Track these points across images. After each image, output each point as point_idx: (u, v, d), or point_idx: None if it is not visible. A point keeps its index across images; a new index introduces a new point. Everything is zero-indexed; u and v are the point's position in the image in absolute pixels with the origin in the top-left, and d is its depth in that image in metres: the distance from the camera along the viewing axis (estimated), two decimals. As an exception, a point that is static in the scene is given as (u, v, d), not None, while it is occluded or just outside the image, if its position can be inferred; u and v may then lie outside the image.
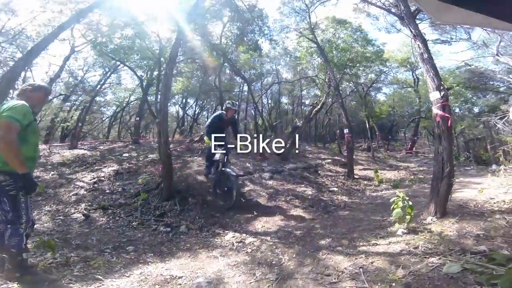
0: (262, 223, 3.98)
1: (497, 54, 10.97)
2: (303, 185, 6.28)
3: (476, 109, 17.26)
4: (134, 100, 17.07)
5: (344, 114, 7.57)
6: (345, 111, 7.50)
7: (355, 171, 7.98)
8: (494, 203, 3.20)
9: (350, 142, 7.37)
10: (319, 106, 10.28)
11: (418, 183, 6.58)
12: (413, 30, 3.17)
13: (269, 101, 21.53)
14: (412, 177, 7.37)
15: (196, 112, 20.09)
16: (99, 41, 9.82)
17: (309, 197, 5.44)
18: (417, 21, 3.28)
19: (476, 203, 3.28)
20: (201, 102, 19.16)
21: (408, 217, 2.70)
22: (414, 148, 16.58)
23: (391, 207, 2.86)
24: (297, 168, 7.70)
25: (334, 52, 11.49)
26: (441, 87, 2.99)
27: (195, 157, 7.37)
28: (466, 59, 14.67)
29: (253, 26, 11.16)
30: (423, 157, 14.62)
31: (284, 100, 22.19)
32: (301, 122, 8.66)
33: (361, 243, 2.64)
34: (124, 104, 16.95)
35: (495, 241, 2.15)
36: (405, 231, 2.69)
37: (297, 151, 9.70)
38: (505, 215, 2.71)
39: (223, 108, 5.21)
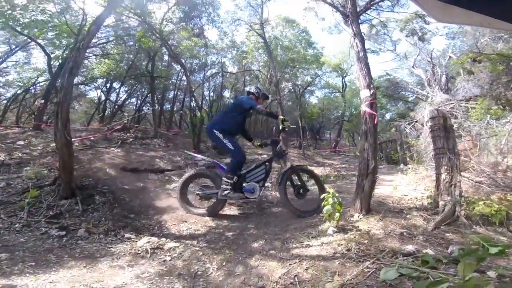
0: (188, 225, 3.48)
1: (413, 66, 13.13)
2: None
3: (387, 115, 20.59)
4: (42, 81, 13.83)
5: (281, 112, 7.64)
6: (282, 109, 7.54)
7: (288, 167, 8.20)
8: (408, 199, 3.54)
9: (285, 139, 7.50)
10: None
11: (341, 180, 7.17)
12: (354, 29, 3.19)
13: (211, 94, 20.62)
14: (336, 173, 8.04)
15: (122, 99, 17.51)
16: (8, 13, 7.40)
17: None
18: (359, 21, 3.30)
19: (393, 199, 3.61)
20: (128, 88, 16.73)
21: (337, 214, 2.67)
22: (337, 148, 18.64)
23: (322, 204, 2.79)
24: None
25: (279, 50, 11.64)
26: (371, 86, 3.09)
27: (113, 148, 6.17)
28: (388, 69, 17.14)
29: (201, 11, 10.23)
30: (344, 155, 16.59)
31: (227, 94, 21.65)
32: None
33: (294, 245, 2.47)
34: (29, 86, 13.59)
35: (418, 239, 2.25)
36: (335, 229, 2.65)
37: None
38: (420, 212, 2.97)
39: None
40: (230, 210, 4.19)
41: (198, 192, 3.84)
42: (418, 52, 15.41)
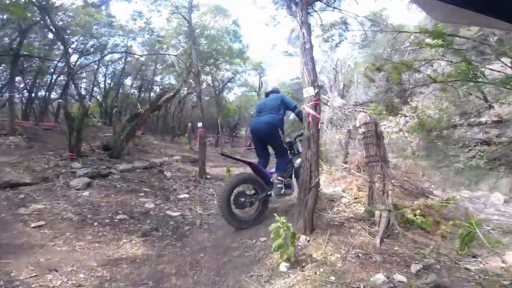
0: (61, 276, 2.13)
1: (319, 72, 14.44)
2: (143, 194, 4.67)
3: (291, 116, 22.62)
4: None
5: (199, 105, 6.59)
6: (201, 101, 6.52)
7: (207, 168, 7.30)
8: (340, 207, 3.35)
9: (203, 138, 6.49)
10: (171, 94, 8.70)
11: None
12: (302, 17, 2.67)
13: (108, 81, 16.60)
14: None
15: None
16: None
17: (152, 213, 3.98)
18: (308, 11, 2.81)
19: (325, 207, 3.35)
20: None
21: (291, 249, 2.07)
22: (251, 145, 19.05)
23: (270, 236, 2.15)
24: (135, 169, 5.84)
25: (202, 40, 10.37)
26: (316, 83, 2.67)
27: None
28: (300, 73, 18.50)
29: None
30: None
31: (129, 82, 18.01)
32: (145, 109, 6.74)
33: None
34: None
35: (376, 260, 1.92)
36: (288, 265, 2.05)
37: (136, 146, 7.64)
38: (361, 224, 2.75)
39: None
40: (129, 243, 2.98)
41: (241, 200, 3.19)
42: (325, 60, 17.41)
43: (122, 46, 14.15)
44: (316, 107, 2.74)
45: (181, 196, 4.82)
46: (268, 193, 3.33)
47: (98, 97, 16.44)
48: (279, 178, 3.24)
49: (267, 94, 3.73)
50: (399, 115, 10.35)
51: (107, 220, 3.60)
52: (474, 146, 7.56)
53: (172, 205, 4.37)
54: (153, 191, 4.96)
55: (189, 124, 11.82)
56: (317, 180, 2.69)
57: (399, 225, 2.77)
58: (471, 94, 8.32)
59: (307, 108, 2.71)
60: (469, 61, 5.57)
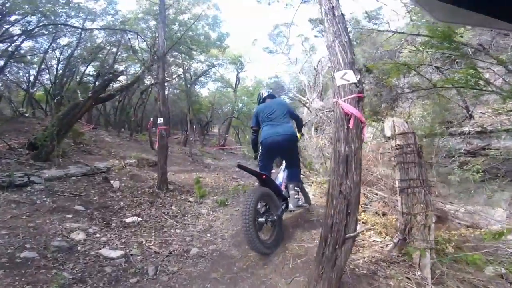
0: None
1: (299, 72, 13.66)
2: (72, 216, 3.31)
3: None
4: None
5: (161, 95, 5.19)
6: (163, 91, 5.14)
7: (168, 176, 6.00)
8: (356, 240, 2.41)
9: (164, 137, 5.13)
10: (129, 82, 7.16)
11: (243, 193, 5.78)
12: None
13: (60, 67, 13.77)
14: (234, 183, 6.60)
15: None
16: None
17: (80, 248, 2.68)
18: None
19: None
20: None
21: None
22: (225, 145, 17.72)
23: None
24: (69, 177, 4.37)
25: (176, 25, 8.87)
26: (355, 67, 1.65)
27: None
28: (279, 71, 17.56)
29: None
30: (232, 154, 15.78)
31: (83, 69, 15.26)
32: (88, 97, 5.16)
33: None
34: None
35: None
36: None
37: (78, 145, 6.02)
38: (398, 269, 1.81)
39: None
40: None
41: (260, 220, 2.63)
42: (307, 59, 16.77)
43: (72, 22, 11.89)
44: (359, 103, 1.68)
45: (129, 219, 3.50)
46: (284, 207, 2.99)
47: (47, 86, 13.78)
48: (296, 188, 3.12)
49: (264, 99, 3.51)
50: (381, 121, 10.03)
51: (3, 260, 2.26)
52: (458, 156, 7.37)
53: (113, 236, 3.06)
54: (89, 211, 3.58)
55: (150, 120, 10.06)
56: (355, 222, 1.66)
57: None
58: (454, 102, 8.19)
59: (345, 105, 1.65)
60: (474, 67, 5.12)
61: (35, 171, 4.26)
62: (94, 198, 4.02)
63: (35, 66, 12.92)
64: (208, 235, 3.25)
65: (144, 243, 2.97)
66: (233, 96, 17.85)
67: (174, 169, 7.14)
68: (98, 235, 3.02)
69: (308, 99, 14.94)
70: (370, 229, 2.77)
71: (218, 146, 16.23)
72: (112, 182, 4.78)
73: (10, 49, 9.14)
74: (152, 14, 9.52)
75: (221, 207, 4.31)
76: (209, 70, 16.11)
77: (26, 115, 8.69)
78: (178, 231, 3.31)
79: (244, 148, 18.89)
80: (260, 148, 3.16)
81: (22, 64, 11.65)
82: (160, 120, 5.01)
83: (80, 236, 2.93)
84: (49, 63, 12.03)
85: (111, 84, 6.52)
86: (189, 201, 4.50)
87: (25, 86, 11.27)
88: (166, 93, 20.44)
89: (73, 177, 4.56)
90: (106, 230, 3.15)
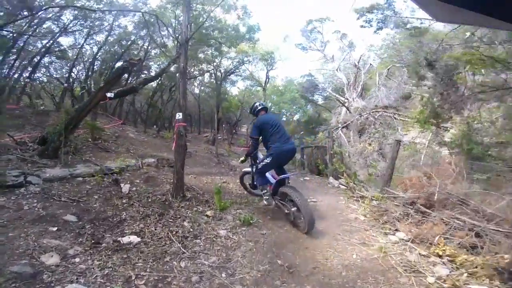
0: None
1: (337, 69, 12.31)
2: (56, 228, 2.64)
3: (296, 117, 20.01)
4: None
5: (182, 87, 4.32)
6: (184, 82, 4.33)
7: (189, 179, 5.23)
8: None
9: (183, 136, 4.30)
10: (153, 76, 6.58)
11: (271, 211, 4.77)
12: None
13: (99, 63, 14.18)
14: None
15: None
16: None
17: (45, 278, 1.96)
18: None
19: None
20: None
21: None
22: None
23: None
24: (74, 178, 3.79)
25: (205, 19, 8.31)
26: None
27: None
28: (313, 69, 16.32)
29: None
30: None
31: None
32: (112, 93, 4.62)
33: None
34: None
35: None
36: None
37: (95, 141, 5.55)
38: None
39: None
40: None
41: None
42: (345, 56, 15.22)
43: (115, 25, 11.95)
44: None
45: (126, 239, 2.71)
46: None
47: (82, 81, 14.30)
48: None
49: (259, 111, 3.94)
50: (443, 126, 8.26)
51: None
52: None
53: (97, 263, 2.26)
54: (81, 223, 2.89)
55: (176, 116, 9.61)
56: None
57: None
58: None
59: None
60: None
61: (36, 170, 3.75)
62: (95, 205, 3.35)
63: (77, 62, 13.44)
64: (223, 274, 2.32)
65: (133, 278, 2.14)
66: (263, 95, 16.93)
67: (197, 171, 6.40)
68: (77, 260, 2.26)
69: (347, 99, 13.40)
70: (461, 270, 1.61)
71: (245, 146, 15.46)
72: (122, 185, 4.12)
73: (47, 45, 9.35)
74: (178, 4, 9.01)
75: (245, 226, 3.37)
76: (239, 67, 15.38)
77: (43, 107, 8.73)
78: (183, 263, 2.42)
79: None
80: (270, 157, 3.52)
81: (64, 60, 12.10)
82: (179, 116, 4.23)
83: (53, 259, 2.20)
84: (85, 58, 12.29)
85: (137, 76, 6.01)
86: (206, 215, 3.63)
87: (64, 81, 11.63)
88: (197, 91, 20.29)
89: (78, 178, 3.99)
90: (91, 253, 2.38)
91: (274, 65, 16.26)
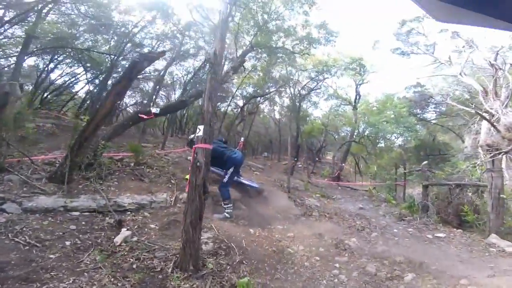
0: None
1: (460, 74, 8.56)
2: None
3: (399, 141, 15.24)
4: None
5: (208, 88, 2.65)
6: (215, 73, 2.67)
7: (227, 227, 3.47)
8: None
9: (202, 168, 2.45)
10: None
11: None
12: None
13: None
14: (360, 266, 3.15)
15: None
16: None
17: None
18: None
19: None
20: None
21: None
22: (340, 176, 13.69)
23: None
24: (68, 210, 2.73)
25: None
26: None
27: None
28: (422, 76, 12.64)
29: None
30: (349, 190, 11.57)
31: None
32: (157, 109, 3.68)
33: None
34: None
35: None
36: None
37: (136, 166, 4.60)
38: None
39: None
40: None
41: None
42: (468, 57, 10.95)
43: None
44: None
45: None
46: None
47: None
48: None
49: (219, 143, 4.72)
50: None
51: None
52: None
53: None
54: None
55: (241, 140, 8.07)
56: None
57: None
58: None
59: None
60: None
61: (29, 195, 2.88)
62: (50, 256, 2.03)
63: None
64: None
65: None
66: (353, 115, 13.97)
67: (251, 214, 4.56)
68: None
69: (489, 110, 8.98)
70: None
71: (330, 178, 12.59)
72: (123, 230, 2.75)
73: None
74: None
75: None
76: (319, 83, 13.24)
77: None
78: None
79: (364, 179, 13.76)
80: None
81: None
82: (199, 132, 2.61)
83: None
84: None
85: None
86: None
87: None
88: (278, 116, 19.08)
89: (73, 212, 2.90)
90: None
91: (364, 78, 13.30)
